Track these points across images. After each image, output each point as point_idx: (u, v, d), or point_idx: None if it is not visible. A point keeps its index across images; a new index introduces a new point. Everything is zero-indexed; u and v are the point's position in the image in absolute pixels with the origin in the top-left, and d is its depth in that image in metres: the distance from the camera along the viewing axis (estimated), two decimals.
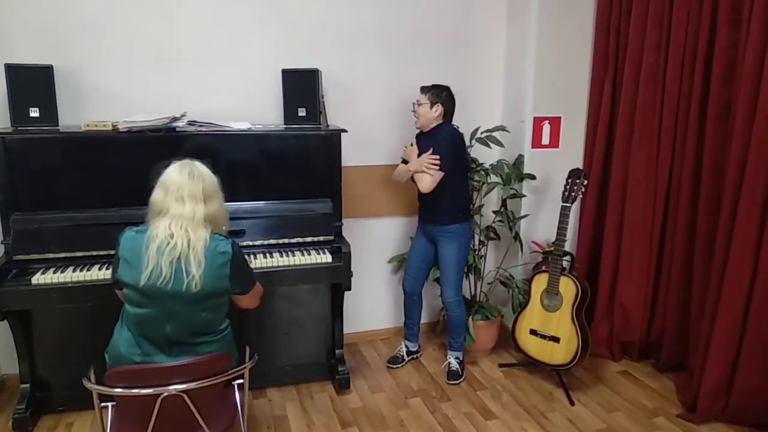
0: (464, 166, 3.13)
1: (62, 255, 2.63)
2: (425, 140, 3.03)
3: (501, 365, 3.42)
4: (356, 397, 3.08)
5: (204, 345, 2.00)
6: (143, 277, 1.87)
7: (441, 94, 2.99)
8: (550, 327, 3.09)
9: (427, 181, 2.94)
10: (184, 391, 1.80)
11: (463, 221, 3.12)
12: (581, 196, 3.10)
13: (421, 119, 3.02)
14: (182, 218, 1.91)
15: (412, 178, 3.04)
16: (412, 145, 3.11)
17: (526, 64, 3.44)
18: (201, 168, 2.01)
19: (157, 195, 1.96)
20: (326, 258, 2.85)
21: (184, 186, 1.93)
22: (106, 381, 1.81)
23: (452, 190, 3.01)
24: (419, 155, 3.00)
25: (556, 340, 3.07)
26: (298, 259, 2.81)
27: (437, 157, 2.92)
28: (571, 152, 3.59)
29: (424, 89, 3.01)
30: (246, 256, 2.10)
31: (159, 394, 1.78)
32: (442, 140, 2.96)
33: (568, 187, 3.05)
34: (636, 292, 3.37)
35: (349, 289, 2.94)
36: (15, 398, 2.74)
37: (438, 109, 2.98)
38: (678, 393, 3.10)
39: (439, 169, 2.92)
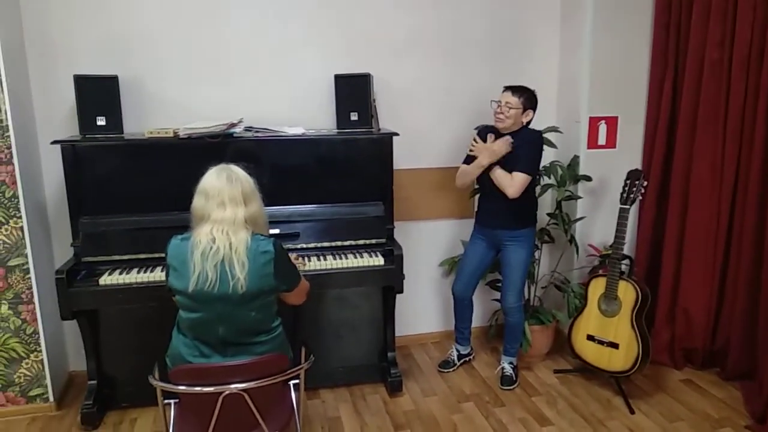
0: (538, 170, 3.09)
1: (126, 257, 2.74)
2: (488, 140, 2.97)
3: (556, 371, 3.35)
4: (409, 400, 3.08)
5: (258, 345, 2.03)
6: (191, 283, 1.91)
7: (533, 99, 2.92)
8: (608, 332, 3.00)
9: (516, 186, 2.84)
10: (244, 390, 1.84)
11: (531, 225, 3.08)
12: (640, 197, 3.00)
13: (508, 122, 2.90)
14: (224, 222, 1.94)
15: (493, 183, 2.93)
16: (476, 141, 2.99)
17: (581, 62, 3.37)
18: (238, 171, 2.03)
19: (197, 202, 1.99)
20: (378, 261, 2.86)
21: (223, 190, 1.96)
22: (170, 378, 1.87)
23: (528, 194, 2.95)
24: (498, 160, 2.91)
25: (614, 346, 2.98)
26: (351, 261, 2.84)
27: (509, 139, 2.87)
28: (629, 153, 3.49)
29: (514, 91, 2.89)
30: (288, 254, 2.12)
31: (220, 393, 1.83)
32: (532, 145, 2.90)
33: (626, 188, 2.96)
34: (700, 298, 3.24)
35: (401, 291, 2.94)
36: (83, 394, 2.86)
37: (529, 114, 2.92)
38: (746, 403, 2.96)
39: (527, 173, 2.86)
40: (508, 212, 2.99)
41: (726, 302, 3.19)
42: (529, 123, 2.96)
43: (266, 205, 2.11)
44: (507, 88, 2.93)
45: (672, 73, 3.27)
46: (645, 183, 2.96)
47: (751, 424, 2.78)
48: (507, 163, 2.89)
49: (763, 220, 2.89)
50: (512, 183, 2.86)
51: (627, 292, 2.93)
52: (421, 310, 3.71)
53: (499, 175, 2.89)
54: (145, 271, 2.67)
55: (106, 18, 2.95)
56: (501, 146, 2.88)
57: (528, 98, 2.91)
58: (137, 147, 2.84)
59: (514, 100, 2.88)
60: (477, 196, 3.29)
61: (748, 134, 2.95)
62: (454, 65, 3.42)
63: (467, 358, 3.46)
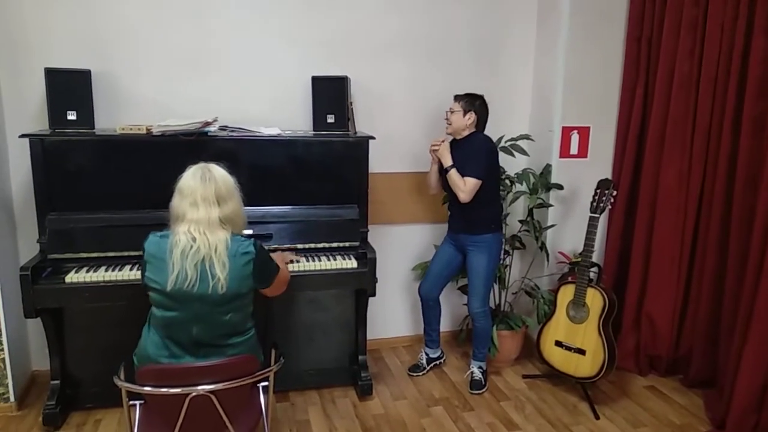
0: (498, 177, 3.14)
1: (95, 255, 2.69)
2: (458, 149, 3.02)
3: (525, 376, 3.39)
4: (378, 403, 3.08)
5: (230, 347, 2.02)
6: (170, 281, 1.90)
7: (474, 103, 2.99)
8: (575, 339, 3.05)
9: (467, 191, 2.92)
10: (211, 392, 1.83)
11: (495, 231, 3.11)
12: (610, 207, 3.06)
13: (453, 126, 3.02)
14: (199, 222, 1.93)
15: (450, 187, 3.02)
16: (443, 141, 3.07)
17: (555, 72, 3.43)
18: (215, 170, 2.01)
19: (174, 200, 1.99)
20: (352, 263, 2.86)
21: (196, 190, 1.95)
22: (136, 379, 1.84)
23: (486, 199, 3.00)
24: (453, 164, 2.98)
25: (581, 352, 3.03)
26: (324, 264, 2.83)
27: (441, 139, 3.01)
28: (600, 162, 3.56)
29: (457, 97, 3.03)
30: (269, 252, 2.12)
31: (187, 394, 1.81)
32: (479, 149, 2.97)
33: (596, 197, 3.02)
34: (664, 306, 3.31)
35: (374, 295, 2.94)
36: (46, 394, 2.79)
37: (471, 117, 2.98)
38: (707, 410, 3.03)
39: (476, 177, 2.92)
40: (469, 217, 3.05)
41: (689, 311, 3.27)
42: (477, 126, 3.02)
43: None
44: (454, 96, 3.06)
45: (643, 85, 3.35)
46: (615, 192, 3.02)
47: (711, 430, 2.85)
48: (459, 168, 2.96)
49: (726, 230, 2.98)
50: (463, 187, 2.94)
51: (595, 300, 2.99)
52: (393, 313, 3.72)
53: (452, 177, 2.98)
54: (113, 270, 2.62)
55: (82, 10, 2.89)
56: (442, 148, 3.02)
57: (468, 102, 2.99)
58: (108, 143, 2.79)
59: (455, 105, 3.01)
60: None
61: (714, 146, 3.03)
62: (432, 71, 3.44)
63: (437, 362, 3.48)
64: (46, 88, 2.73)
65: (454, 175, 2.96)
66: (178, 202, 1.97)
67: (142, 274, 2.01)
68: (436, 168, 3.13)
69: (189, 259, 1.89)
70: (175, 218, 1.98)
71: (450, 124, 3.04)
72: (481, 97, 3.03)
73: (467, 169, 2.94)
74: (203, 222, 1.93)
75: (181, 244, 1.91)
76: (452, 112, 3.01)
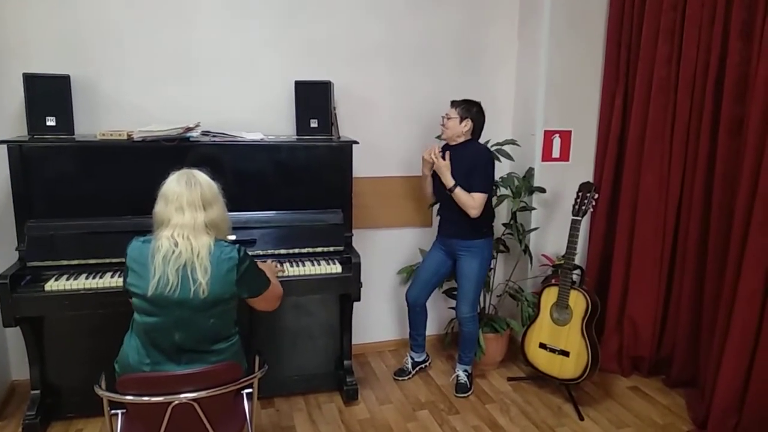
0: (493, 184, 3.15)
1: (75, 262, 2.65)
2: (453, 154, 3.00)
3: (510, 379, 3.41)
4: (364, 408, 3.07)
5: (213, 353, 2.00)
6: (151, 286, 1.88)
7: (471, 110, 2.99)
8: (559, 341, 3.07)
9: (477, 207, 2.92)
10: (194, 400, 1.81)
11: (486, 236, 3.12)
12: (592, 209, 3.09)
13: (448, 132, 3.01)
14: (184, 227, 1.92)
15: (446, 199, 3.02)
16: (440, 150, 3.03)
17: (536, 77, 3.46)
18: (199, 176, 2.02)
19: (158, 206, 1.98)
20: (336, 268, 2.86)
21: (182, 195, 1.95)
22: (117, 388, 1.82)
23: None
24: (456, 181, 2.96)
25: (565, 354, 3.05)
26: (308, 269, 2.82)
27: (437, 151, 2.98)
28: (582, 166, 3.59)
29: (454, 103, 3.02)
30: (256, 261, 2.11)
31: (169, 402, 1.79)
32: (481, 163, 2.96)
33: (578, 200, 3.04)
34: (646, 307, 3.35)
35: (359, 299, 2.94)
36: (25, 404, 2.75)
37: (467, 124, 2.98)
38: (689, 409, 3.07)
39: (484, 191, 2.93)
40: (461, 223, 3.03)
41: (671, 312, 3.31)
42: (473, 133, 3.02)
43: None
44: (451, 102, 3.04)
45: (623, 89, 3.39)
46: (596, 195, 3.05)
47: (693, 430, 2.89)
48: (459, 178, 2.94)
49: (706, 231, 3.02)
50: (473, 204, 2.92)
51: (578, 302, 3.01)
52: (379, 318, 3.72)
53: (459, 196, 2.93)
54: (94, 277, 2.59)
55: (62, 15, 2.86)
56: (440, 162, 2.97)
57: (465, 108, 2.98)
58: (88, 149, 2.76)
59: (452, 111, 3.00)
60: (437, 207, 3.33)
61: (693, 148, 3.08)
62: (415, 75, 3.46)
63: (423, 365, 3.48)
64: (24, 94, 2.70)
65: (460, 194, 2.92)
66: (162, 208, 1.96)
67: (124, 280, 1.99)
68: (429, 175, 3.10)
69: (170, 264, 1.88)
70: (159, 224, 1.96)
71: (445, 129, 3.02)
72: (478, 104, 3.02)
73: (474, 185, 2.92)
74: (188, 227, 1.92)
75: (163, 249, 1.90)
76: (449, 118, 3.00)
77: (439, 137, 3.19)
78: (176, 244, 1.90)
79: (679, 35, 3.07)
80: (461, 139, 3.01)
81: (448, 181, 2.95)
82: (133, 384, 1.82)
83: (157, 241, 1.92)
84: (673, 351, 3.30)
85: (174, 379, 1.84)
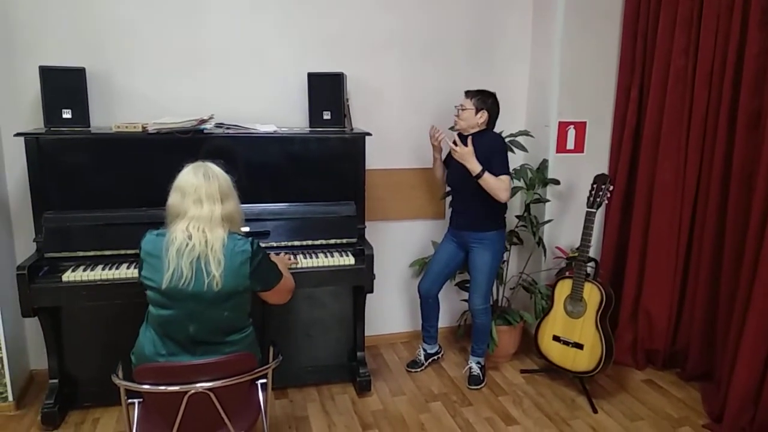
0: None
1: (92, 253, 2.68)
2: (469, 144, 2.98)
3: (523, 371, 3.40)
4: (377, 399, 3.09)
5: (227, 345, 2.02)
6: (165, 279, 1.90)
7: (487, 101, 2.96)
8: (573, 333, 3.06)
9: (507, 189, 2.89)
10: (210, 389, 1.83)
11: (499, 228, 3.10)
12: (606, 201, 3.07)
13: (463, 123, 2.98)
14: (200, 219, 1.93)
15: (459, 189, 3.01)
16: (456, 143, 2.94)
17: (551, 68, 3.43)
18: (215, 168, 2.02)
19: (174, 199, 1.97)
20: (349, 260, 2.86)
21: (200, 187, 1.95)
22: (133, 377, 1.84)
23: (491, 197, 2.93)
24: (483, 167, 2.90)
25: (579, 346, 3.04)
26: (322, 260, 2.83)
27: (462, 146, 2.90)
28: (597, 158, 3.56)
29: (469, 93, 2.99)
30: (268, 254, 2.11)
31: (185, 392, 1.81)
32: (498, 147, 2.95)
33: (593, 192, 3.02)
34: (661, 300, 3.33)
35: (372, 291, 2.95)
36: (44, 393, 2.79)
37: (483, 115, 2.96)
38: (704, 403, 3.05)
39: (508, 173, 2.92)
40: (474, 214, 3.03)
41: (686, 305, 3.28)
42: (488, 124, 3.00)
43: None
44: (465, 92, 3.01)
45: (639, 79, 3.35)
46: (611, 187, 3.03)
47: (709, 423, 2.86)
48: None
49: (722, 225, 2.98)
50: (504, 186, 2.88)
51: (592, 294, 2.99)
52: (391, 310, 3.72)
53: (489, 181, 2.86)
54: (110, 268, 2.62)
55: (77, 8, 2.88)
56: (464, 149, 2.88)
57: (480, 100, 2.96)
58: (104, 141, 2.78)
59: (467, 102, 2.97)
60: (449, 198, 3.32)
61: (710, 140, 3.04)
62: (428, 67, 3.44)
63: (435, 357, 3.48)
64: (40, 87, 2.72)
65: (489, 178, 2.85)
66: (179, 200, 1.96)
67: (139, 273, 2.01)
68: (440, 159, 3.13)
69: (184, 257, 1.89)
70: (174, 216, 1.96)
71: (460, 120, 3.00)
72: (493, 95, 2.99)
73: (498, 169, 2.88)
74: (205, 219, 1.93)
75: (177, 242, 1.90)
76: (464, 109, 2.97)
77: (452, 128, 3.17)
78: (190, 237, 1.90)
79: (696, 25, 3.02)
80: (475, 130, 2.99)
81: (475, 167, 2.84)
82: (149, 373, 1.84)
83: (171, 234, 1.93)
84: (689, 344, 3.28)
85: (190, 368, 1.85)
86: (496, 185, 2.88)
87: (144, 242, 1.99)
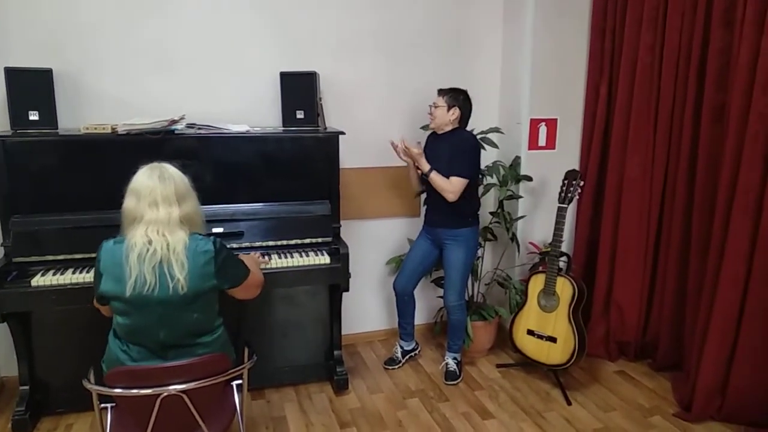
0: (478, 173, 3.15)
1: (61, 257, 2.64)
2: (440, 143, 3.03)
3: (498, 365, 3.44)
4: (354, 397, 3.10)
5: (199, 346, 2.00)
6: (128, 287, 1.85)
7: (458, 98, 3.00)
8: (547, 327, 3.11)
9: (454, 190, 2.92)
10: (183, 392, 1.82)
11: (472, 225, 3.13)
12: (577, 197, 3.12)
13: (436, 121, 3.02)
14: (158, 223, 1.88)
15: (432, 187, 3.00)
16: (418, 143, 3.07)
17: (522, 65, 3.47)
18: (170, 170, 1.98)
19: (129, 203, 1.92)
20: (324, 259, 2.86)
21: (155, 190, 1.90)
22: (105, 381, 1.82)
23: (466, 195, 2.99)
24: (433, 156, 2.99)
25: (553, 340, 3.09)
26: (297, 260, 2.83)
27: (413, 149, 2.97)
28: (568, 154, 3.62)
29: (441, 92, 3.02)
30: (232, 251, 2.08)
31: (158, 395, 1.80)
32: (465, 148, 2.98)
33: (564, 188, 3.07)
34: (632, 293, 3.39)
35: (347, 290, 2.95)
36: (14, 400, 2.74)
37: (455, 112, 2.99)
38: (674, 392, 3.12)
39: (464, 176, 2.93)
40: (447, 212, 3.05)
41: (656, 298, 3.36)
42: (460, 121, 3.03)
43: (209, 204, 2.07)
44: (438, 90, 3.04)
45: (607, 76, 3.41)
46: (582, 183, 3.08)
47: (679, 412, 2.93)
48: (443, 165, 2.95)
49: (689, 219, 3.05)
50: (451, 188, 2.93)
51: (564, 288, 3.04)
52: (368, 308, 3.73)
53: (436, 180, 2.95)
54: (80, 272, 2.58)
55: (42, 8, 2.83)
56: (412, 151, 2.98)
57: (452, 97, 2.99)
58: (72, 143, 2.74)
59: (439, 99, 3.01)
60: (424, 196, 3.34)
61: (677, 135, 3.11)
62: (401, 65, 3.46)
63: (412, 353, 3.50)
64: (6, 88, 2.67)
65: (436, 178, 2.94)
66: (134, 204, 1.91)
67: (96, 285, 1.94)
68: (414, 167, 3.12)
69: (146, 263, 1.85)
70: (131, 220, 1.91)
71: (433, 118, 3.03)
72: (464, 92, 3.03)
73: (454, 168, 2.93)
74: (163, 222, 1.89)
75: (137, 247, 1.86)
76: (436, 107, 3.01)
77: (426, 127, 3.19)
78: (150, 242, 1.86)
79: (662, 22, 3.08)
80: (449, 128, 3.02)
81: (424, 166, 2.97)
82: (121, 377, 1.82)
83: (129, 239, 1.88)
84: (659, 335, 3.35)
85: (162, 371, 1.84)
86: (443, 185, 2.94)
87: (102, 252, 1.93)
